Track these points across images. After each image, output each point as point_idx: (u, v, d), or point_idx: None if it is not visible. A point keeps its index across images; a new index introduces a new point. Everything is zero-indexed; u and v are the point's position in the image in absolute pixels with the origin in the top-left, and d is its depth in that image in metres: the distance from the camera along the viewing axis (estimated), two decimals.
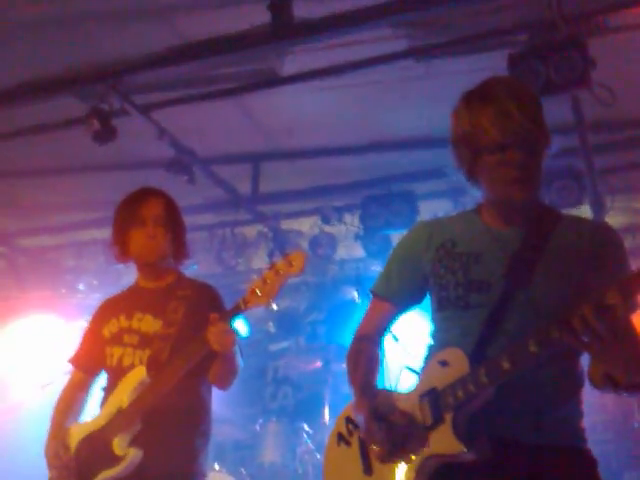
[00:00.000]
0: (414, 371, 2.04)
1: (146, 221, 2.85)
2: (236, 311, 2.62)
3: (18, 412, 6.36)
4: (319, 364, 5.73)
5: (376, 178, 5.59)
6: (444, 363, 1.89)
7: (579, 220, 2.18)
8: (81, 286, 7.10)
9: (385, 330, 2.21)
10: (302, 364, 6.01)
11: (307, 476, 5.48)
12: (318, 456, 5.44)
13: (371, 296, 2.23)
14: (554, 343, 1.70)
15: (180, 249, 2.95)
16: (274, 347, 6.49)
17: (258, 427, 5.76)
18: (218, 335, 2.56)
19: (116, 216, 2.95)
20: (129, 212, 2.90)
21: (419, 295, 2.13)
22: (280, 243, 5.87)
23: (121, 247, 2.92)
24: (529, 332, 1.75)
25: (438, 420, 1.84)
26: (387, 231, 5.68)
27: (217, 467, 5.30)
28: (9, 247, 7.01)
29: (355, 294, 6.14)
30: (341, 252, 6.14)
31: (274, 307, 6.79)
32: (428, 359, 2.03)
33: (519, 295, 1.89)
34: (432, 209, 4.97)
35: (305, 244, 5.98)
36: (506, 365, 1.76)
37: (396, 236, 5.66)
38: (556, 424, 1.88)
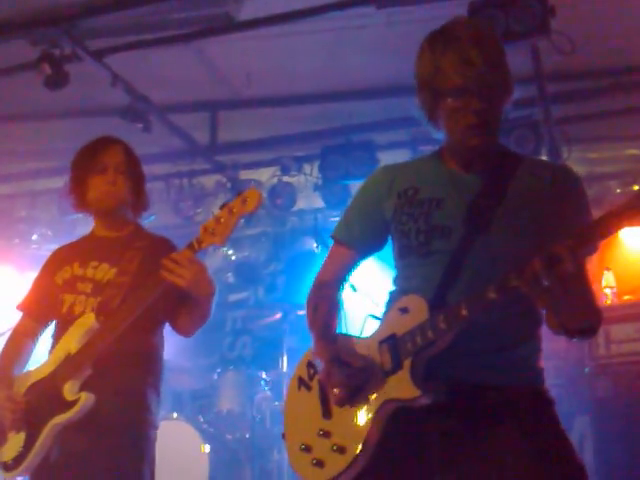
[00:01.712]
0: (378, 318, 2.04)
1: (107, 168, 2.80)
2: (191, 251, 2.54)
3: None
4: (278, 315, 5.75)
5: (335, 128, 5.55)
6: (404, 310, 1.90)
7: (540, 163, 2.17)
8: (35, 237, 6.95)
9: (345, 276, 2.20)
10: (261, 315, 6.02)
11: (264, 422, 5.56)
12: (276, 403, 5.51)
13: (332, 241, 2.22)
14: (512, 291, 1.72)
15: (139, 199, 2.91)
16: (233, 298, 6.48)
17: (216, 376, 5.78)
18: (182, 264, 2.49)
19: (74, 164, 2.88)
20: (88, 160, 2.83)
21: (380, 241, 2.13)
22: (238, 193, 5.81)
23: (79, 196, 2.86)
24: (488, 280, 1.76)
25: (396, 366, 1.86)
26: (346, 181, 5.67)
27: (175, 415, 5.33)
28: None
29: (314, 245, 6.14)
30: (300, 203, 6.11)
31: (232, 257, 6.78)
32: (389, 305, 2.03)
33: (478, 241, 1.90)
34: (391, 159, 4.91)
35: (264, 194, 5.93)
36: (464, 312, 1.77)
37: (355, 186, 5.64)
38: (514, 365, 1.92)
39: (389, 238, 2.11)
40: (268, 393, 5.62)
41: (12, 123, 5.53)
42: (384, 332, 1.93)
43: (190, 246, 2.54)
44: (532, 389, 1.94)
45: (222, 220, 2.49)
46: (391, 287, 2.10)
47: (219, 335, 6.25)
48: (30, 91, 4.67)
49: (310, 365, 2.07)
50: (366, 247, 2.15)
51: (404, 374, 1.84)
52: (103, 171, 2.80)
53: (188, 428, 5.22)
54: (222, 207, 2.53)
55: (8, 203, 6.84)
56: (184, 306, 2.71)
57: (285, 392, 2.20)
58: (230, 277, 6.60)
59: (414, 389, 1.81)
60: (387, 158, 5.33)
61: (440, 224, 1.95)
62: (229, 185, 6.01)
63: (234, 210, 2.48)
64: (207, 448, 5.14)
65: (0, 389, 2.75)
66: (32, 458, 2.62)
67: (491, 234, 1.90)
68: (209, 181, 6.26)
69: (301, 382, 2.09)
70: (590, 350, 4.86)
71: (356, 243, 2.14)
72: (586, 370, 4.93)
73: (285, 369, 5.56)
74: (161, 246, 2.84)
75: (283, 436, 2.11)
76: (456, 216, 1.94)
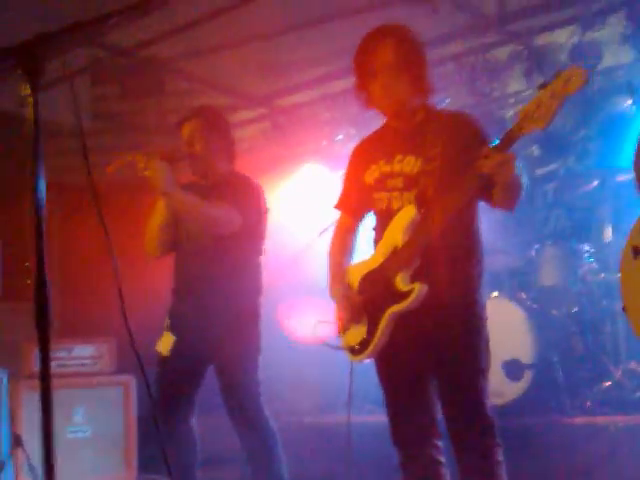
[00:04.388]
0: None
1: (376, 71, 2.81)
2: (510, 138, 2.51)
3: (303, 257, 6.79)
4: (594, 183, 5.37)
5: None
6: None
7: None
8: (340, 137, 7.29)
9: None
10: (574, 185, 5.68)
11: (591, 296, 5.32)
12: (602, 275, 5.25)
13: None
14: None
15: (421, 86, 2.85)
16: (541, 171, 6.17)
17: (534, 253, 5.64)
18: (496, 167, 2.50)
19: (353, 64, 2.94)
20: (361, 63, 2.87)
21: None
22: (536, 60, 5.44)
23: (364, 97, 2.92)
24: None
25: None
26: None
27: (496, 294, 5.34)
28: (269, 108, 7.37)
29: (628, 103, 5.54)
30: (607, 59, 5.53)
31: None
32: None
33: None
34: None
35: (564, 57, 5.47)
36: None
37: None
38: None
39: None
40: (593, 265, 5.35)
41: (299, 32, 5.71)
42: None
43: (510, 133, 2.49)
44: None
45: (544, 102, 2.41)
46: None
47: (530, 211, 6.05)
48: None
49: None
50: None
51: None
52: (374, 75, 2.81)
53: (511, 305, 5.21)
54: (541, 88, 2.44)
55: (312, 108, 7.21)
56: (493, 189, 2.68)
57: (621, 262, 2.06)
58: (535, 150, 6.27)
59: None
60: None
61: None
62: (525, 53, 5.63)
63: (556, 92, 2.38)
64: (533, 324, 5.09)
65: (336, 284, 2.99)
66: (376, 343, 2.84)
67: None
68: (502, 53, 5.92)
69: (637, 251, 1.95)
70: None
71: None
72: None
73: (609, 239, 5.24)
74: (460, 121, 2.82)
75: (624, 309, 2.01)
76: None
